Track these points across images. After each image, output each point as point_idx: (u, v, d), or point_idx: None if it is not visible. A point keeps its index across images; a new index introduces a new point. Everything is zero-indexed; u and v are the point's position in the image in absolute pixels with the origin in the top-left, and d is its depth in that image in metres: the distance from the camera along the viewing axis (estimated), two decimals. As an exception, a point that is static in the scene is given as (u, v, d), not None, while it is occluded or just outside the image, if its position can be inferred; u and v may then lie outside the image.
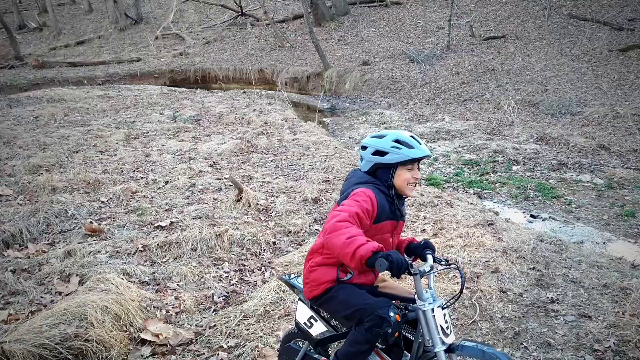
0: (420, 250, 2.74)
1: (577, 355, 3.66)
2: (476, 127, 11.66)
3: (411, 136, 2.62)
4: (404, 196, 2.70)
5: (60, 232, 5.91)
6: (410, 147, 2.58)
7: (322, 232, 2.58)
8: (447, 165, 9.42)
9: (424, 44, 18.56)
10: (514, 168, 8.93)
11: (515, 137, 10.56)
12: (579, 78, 13.64)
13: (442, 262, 2.61)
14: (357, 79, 16.78)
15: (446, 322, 2.43)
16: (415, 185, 2.69)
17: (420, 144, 2.61)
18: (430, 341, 2.39)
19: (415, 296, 2.47)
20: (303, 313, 2.93)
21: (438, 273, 2.59)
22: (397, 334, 2.55)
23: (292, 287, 3.12)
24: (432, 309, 2.37)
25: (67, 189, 7.23)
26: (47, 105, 13.99)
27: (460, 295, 2.49)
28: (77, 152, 9.42)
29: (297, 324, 3.05)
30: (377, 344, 2.58)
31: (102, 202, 6.86)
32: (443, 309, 2.43)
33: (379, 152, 2.61)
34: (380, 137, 2.65)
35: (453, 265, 2.62)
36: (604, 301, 4.34)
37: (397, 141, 2.59)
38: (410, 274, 2.34)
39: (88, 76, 19.52)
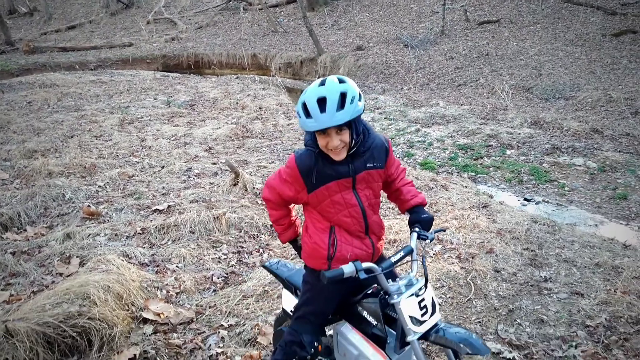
0: (410, 223, 2.62)
1: (569, 331, 3.75)
2: (470, 111, 11.71)
3: (320, 99, 2.20)
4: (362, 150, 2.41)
5: (58, 216, 5.93)
6: (308, 115, 2.24)
7: None
8: (442, 150, 9.47)
9: (418, 28, 18.53)
10: (508, 152, 9.00)
11: (509, 122, 10.62)
12: (573, 62, 13.70)
13: (429, 238, 2.53)
14: (351, 64, 16.75)
15: (423, 307, 2.35)
16: (343, 148, 2.32)
17: (322, 113, 2.19)
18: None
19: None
20: (288, 301, 2.97)
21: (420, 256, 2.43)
22: None
23: (276, 275, 3.13)
24: (400, 302, 2.30)
25: (63, 173, 7.24)
26: (40, 91, 13.90)
27: (426, 286, 2.40)
28: (71, 137, 9.40)
29: (283, 310, 3.09)
30: None
31: (99, 186, 6.88)
32: (417, 296, 2.35)
33: (305, 109, 2.27)
34: (304, 92, 2.30)
35: (408, 258, 2.44)
36: (596, 279, 4.43)
37: (303, 105, 2.26)
38: (359, 279, 2.23)
39: (80, 61, 19.37)
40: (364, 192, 2.49)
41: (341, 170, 2.40)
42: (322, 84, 2.27)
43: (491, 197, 7.08)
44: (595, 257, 4.82)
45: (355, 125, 2.31)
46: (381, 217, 2.67)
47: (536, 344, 3.61)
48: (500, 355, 3.46)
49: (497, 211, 6.02)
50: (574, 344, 3.57)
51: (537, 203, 7.10)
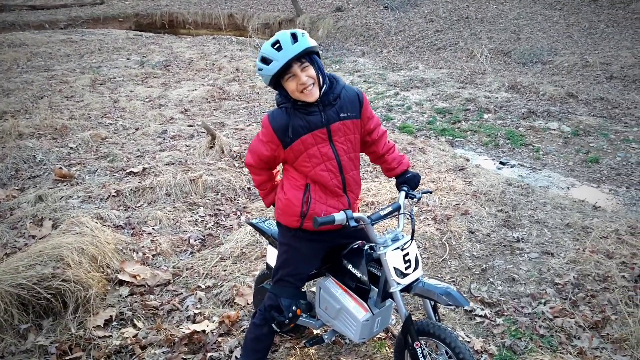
0: (397, 184, 2.68)
1: (539, 289, 3.84)
2: (449, 75, 11.69)
3: (273, 43, 2.26)
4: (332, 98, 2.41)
5: (29, 178, 5.81)
6: (268, 63, 2.27)
7: None
8: (420, 113, 9.46)
9: (397, -10, 18.28)
10: (485, 116, 9.04)
11: (487, 86, 10.64)
12: (551, 27, 13.71)
13: (417, 197, 2.59)
14: (331, 25, 16.52)
15: (407, 261, 2.42)
16: (313, 86, 2.31)
17: (293, 43, 2.24)
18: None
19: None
20: (273, 257, 2.98)
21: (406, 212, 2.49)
22: (292, 325, 2.71)
23: (262, 231, 3.14)
24: (385, 253, 2.37)
25: (34, 134, 7.06)
26: (9, 50, 13.44)
27: (412, 239, 2.47)
28: (42, 98, 9.15)
29: (267, 266, 3.11)
30: (273, 325, 2.65)
31: (71, 148, 6.73)
32: (403, 249, 2.42)
33: (264, 60, 2.29)
34: (260, 51, 2.31)
35: (396, 213, 2.48)
36: (565, 239, 4.53)
37: (261, 59, 2.29)
38: (349, 227, 2.25)
39: (49, 20, 18.73)
40: (342, 145, 2.47)
41: (314, 121, 2.38)
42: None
43: (468, 160, 7.14)
44: (566, 218, 4.92)
45: (317, 62, 2.35)
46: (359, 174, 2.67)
47: (507, 301, 3.70)
48: (473, 313, 3.54)
49: (473, 174, 6.07)
50: (543, 301, 3.67)
51: (512, 166, 7.18)
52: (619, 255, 4.16)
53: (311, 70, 2.30)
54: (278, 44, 2.24)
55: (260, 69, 2.32)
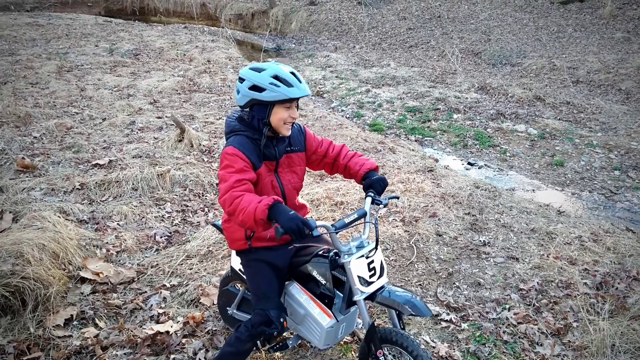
0: (364, 188, 2.64)
1: (503, 294, 3.91)
2: (420, 74, 11.78)
3: (292, 72, 2.43)
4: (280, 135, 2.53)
5: (-11, 168, 5.62)
6: (289, 85, 2.39)
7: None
8: (391, 111, 9.51)
9: (372, -14, 18.29)
10: (455, 116, 9.14)
11: (458, 86, 10.76)
12: (521, 29, 13.93)
13: (383, 203, 2.57)
14: (304, 19, 16.44)
15: (372, 269, 2.42)
16: (292, 125, 2.54)
17: (300, 83, 2.42)
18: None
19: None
20: (237, 260, 2.95)
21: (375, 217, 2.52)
22: (278, 338, 2.73)
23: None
24: (350, 262, 2.36)
25: (-5, 122, 6.83)
26: (-30, 32, 12.97)
27: (376, 248, 2.46)
28: (5, 84, 8.84)
29: (232, 269, 3.08)
30: (258, 342, 2.65)
31: (35, 137, 6.53)
32: (367, 257, 2.42)
33: (256, 87, 2.39)
34: (259, 70, 2.42)
35: (361, 221, 2.48)
36: (530, 244, 4.62)
37: (276, 77, 2.39)
38: (312, 236, 2.24)
39: (15, 1, 18.12)
40: (287, 176, 2.64)
41: (270, 154, 2.54)
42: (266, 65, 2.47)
43: (437, 161, 7.21)
44: (531, 223, 5.02)
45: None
46: (301, 201, 2.81)
47: (472, 306, 3.75)
48: (439, 317, 3.58)
49: (441, 175, 6.14)
50: (507, 306, 3.74)
51: (479, 167, 7.29)
52: (581, 262, 4.27)
53: (296, 112, 2.52)
54: (295, 76, 2.43)
55: (276, 85, 2.38)
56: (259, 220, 2.17)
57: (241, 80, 2.45)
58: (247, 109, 2.52)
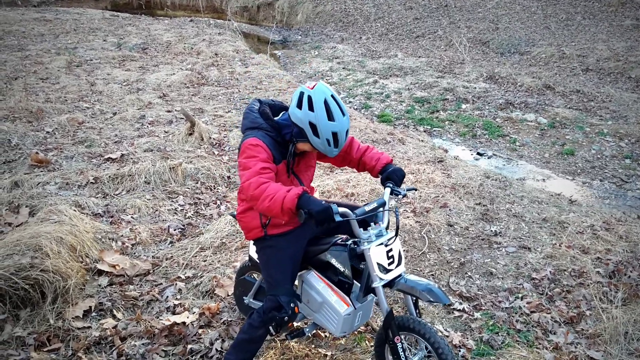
0: (382, 180, 2.70)
1: (516, 283, 3.93)
2: (428, 64, 11.74)
3: (334, 133, 2.40)
4: None
5: (4, 162, 5.68)
6: (335, 145, 2.42)
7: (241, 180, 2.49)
8: (399, 102, 9.50)
9: (378, -24, 18.20)
10: (464, 106, 9.12)
11: (466, 76, 10.72)
12: (529, 17, 13.83)
13: (402, 194, 2.63)
14: (310, 10, 16.39)
15: (390, 257, 2.47)
16: None
17: (337, 148, 2.44)
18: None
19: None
20: (255, 249, 2.99)
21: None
22: (290, 324, 2.76)
23: None
24: (369, 249, 2.41)
25: (8, 117, 6.90)
26: (-22, 28, 13.04)
27: (396, 236, 2.49)
28: (16, 79, 8.92)
29: (250, 258, 3.12)
30: (271, 328, 2.68)
31: (47, 132, 6.60)
32: (386, 246, 2.47)
33: (314, 129, 2.38)
34: (330, 118, 2.37)
35: (380, 209, 2.53)
36: (542, 234, 4.63)
37: (334, 136, 2.39)
38: (333, 221, 2.26)
39: (22, -4, 18.21)
40: (303, 171, 2.71)
41: (290, 154, 2.57)
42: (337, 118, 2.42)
43: (446, 151, 7.21)
44: (543, 213, 5.03)
45: None
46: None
47: (485, 295, 3.78)
48: (452, 307, 3.60)
49: (451, 166, 6.14)
50: (520, 295, 3.76)
51: (489, 157, 7.28)
52: (594, 251, 4.28)
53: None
54: (342, 110, 2.42)
55: (328, 141, 2.39)
56: (286, 210, 2.23)
57: (310, 107, 2.36)
58: (287, 119, 2.51)
